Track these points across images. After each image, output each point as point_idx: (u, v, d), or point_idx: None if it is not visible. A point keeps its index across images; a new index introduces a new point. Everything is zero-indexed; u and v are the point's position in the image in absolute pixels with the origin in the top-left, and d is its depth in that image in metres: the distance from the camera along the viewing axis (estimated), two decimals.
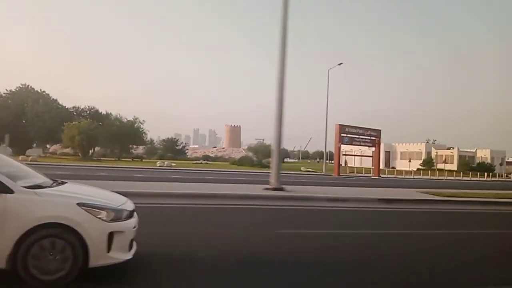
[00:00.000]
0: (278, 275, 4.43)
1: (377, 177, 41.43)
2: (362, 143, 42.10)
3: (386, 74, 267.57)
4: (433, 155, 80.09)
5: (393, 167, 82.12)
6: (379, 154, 43.58)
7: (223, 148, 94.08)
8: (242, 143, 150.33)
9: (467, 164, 72.44)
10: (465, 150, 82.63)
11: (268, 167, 53.94)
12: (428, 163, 78.32)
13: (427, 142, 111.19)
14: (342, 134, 39.14)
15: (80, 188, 4.63)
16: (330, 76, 43.39)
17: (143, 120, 61.63)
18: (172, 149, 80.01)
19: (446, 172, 64.54)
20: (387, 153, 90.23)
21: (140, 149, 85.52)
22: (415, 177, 49.13)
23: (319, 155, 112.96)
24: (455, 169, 72.88)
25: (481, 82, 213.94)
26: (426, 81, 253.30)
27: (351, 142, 40.72)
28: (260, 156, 57.60)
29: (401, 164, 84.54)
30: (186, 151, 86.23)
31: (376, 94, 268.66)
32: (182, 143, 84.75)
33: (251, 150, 70.91)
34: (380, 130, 43.21)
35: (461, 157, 76.00)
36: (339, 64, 46.54)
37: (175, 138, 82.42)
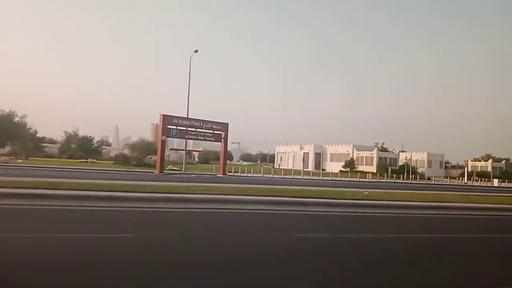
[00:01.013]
0: None
1: (221, 175, 37.63)
2: (200, 137, 38.09)
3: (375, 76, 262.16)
4: (355, 157, 76.61)
5: (324, 169, 78.77)
6: (225, 150, 39.53)
7: None
8: (169, 142, 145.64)
9: (386, 166, 68.76)
10: (390, 151, 79.08)
11: (145, 165, 50.23)
12: (350, 164, 75.14)
13: (376, 145, 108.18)
14: (168, 126, 35.17)
15: None
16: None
17: (25, 115, 57.93)
18: (87, 148, 76.59)
19: (359, 173, 61.25)
20: (318, 155, 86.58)
21: (55, 148, 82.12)
22: (310, 177, 45.07)
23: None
24: (374, 170, 69.43)
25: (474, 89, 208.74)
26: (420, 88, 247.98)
27: (182, 135, 36.69)
28: (140, 153, 53.63)
29: (331, 166, 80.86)
30: (103, 150, 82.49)
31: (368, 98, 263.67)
32: (98, 142, 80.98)
33: (129, 148, 66.83)
34: (227, 124, 39.16)
35: (381, 159, 72.23)
36: (195, 52, 43.24)
37: (91, 137, 78.53)
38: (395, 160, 74.28)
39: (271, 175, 43.22)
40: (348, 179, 46.13)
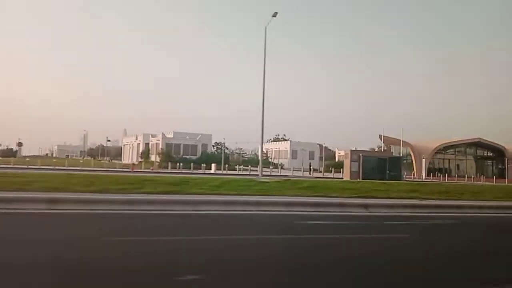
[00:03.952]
0: None
1: None
2: None
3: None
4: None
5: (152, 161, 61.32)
6: None
7: None
8: None
9: (170, 155, 49.98)
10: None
11: None
12: (145, 154, 57.30)
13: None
14: None
15: None
16: None
17: None
18: None
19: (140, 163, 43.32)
20: (148, 146, 68.74)
21: None
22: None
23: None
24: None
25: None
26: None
27: None
28: None
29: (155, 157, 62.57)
30: None
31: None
32: None
33: None
34: None
35: (169, 147, 53.44)
36: None
37: None
38: (195, 147, 55.24)
39: None
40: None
